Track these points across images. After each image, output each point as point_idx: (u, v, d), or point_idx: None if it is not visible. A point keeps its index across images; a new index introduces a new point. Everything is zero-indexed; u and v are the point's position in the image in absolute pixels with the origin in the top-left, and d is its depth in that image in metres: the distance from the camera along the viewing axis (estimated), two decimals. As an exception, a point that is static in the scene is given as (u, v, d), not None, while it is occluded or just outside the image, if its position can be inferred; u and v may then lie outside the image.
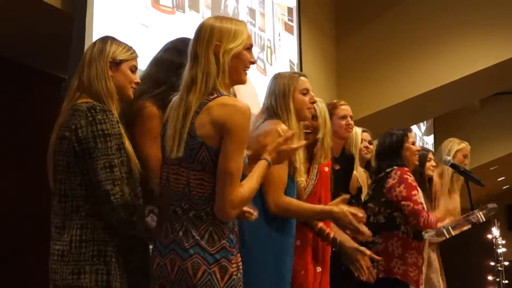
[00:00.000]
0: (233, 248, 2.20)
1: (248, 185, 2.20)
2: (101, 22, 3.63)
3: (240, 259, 2.25)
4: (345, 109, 3.79)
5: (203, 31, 2.27)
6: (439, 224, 3.94)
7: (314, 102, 3.06)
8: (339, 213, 2.91)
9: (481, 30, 7.63)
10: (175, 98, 2.28)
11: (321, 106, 3.28)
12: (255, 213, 2.42)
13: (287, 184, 2.86)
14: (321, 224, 3.15)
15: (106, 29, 3.57)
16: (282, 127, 2.82)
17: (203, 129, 2.16)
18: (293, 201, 2.89)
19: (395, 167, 3.89)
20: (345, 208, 2.93)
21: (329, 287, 3.30)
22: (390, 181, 3.85)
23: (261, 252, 2.78)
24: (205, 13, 4.81)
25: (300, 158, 2.91)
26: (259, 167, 2.28)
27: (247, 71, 2.33)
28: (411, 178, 3.85)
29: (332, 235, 3.14)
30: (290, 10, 6.56)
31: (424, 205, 3.92)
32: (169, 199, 2.22)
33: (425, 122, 11.47)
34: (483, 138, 12.02)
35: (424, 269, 4.31)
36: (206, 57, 2.22)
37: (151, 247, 2.45)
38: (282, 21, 6.33)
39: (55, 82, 4.78)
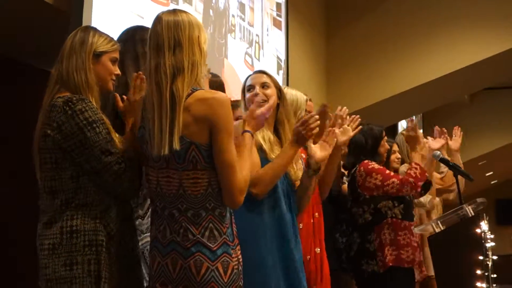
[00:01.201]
0: (232, 242, 2.20)
1: (245, 165, 2.25)
2: (99, 16, 3.65)
3: (239, 252, 2.25)
4: (309, 105, 3.87)
5: (181, 21, 2.23)
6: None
7: (256, 95, 3.01)
8: (294, 135, 2.76)
9: (470, 25, 7.66)
10: (148, 90, 2.23)
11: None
12: None
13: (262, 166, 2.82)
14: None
15: (103, 20, 3.61)
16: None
17: (188, 129, 2.15)
18: (262, 169, 2.76)
19: (357, 165, 3.90)
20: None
21: (328, 268, 3.30)
22: (360, 179, 3.85)
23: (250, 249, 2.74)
24: (197, 6, 4.82)
25: (266, 138, 2.88)
26: (245, 141, 2.34)
27: None
28: (374, 165, 3.86)
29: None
30: (278, 5, 6.54)
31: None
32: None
33: (414, 116, 11.50)
34: (472, 133, 12.04)
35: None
36: (191, 46, 2.21)
37: (140, 239, 2.45)
38: (270, 16, 6.32)
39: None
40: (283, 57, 6.48)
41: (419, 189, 3.82)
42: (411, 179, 3.73)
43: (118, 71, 2.43)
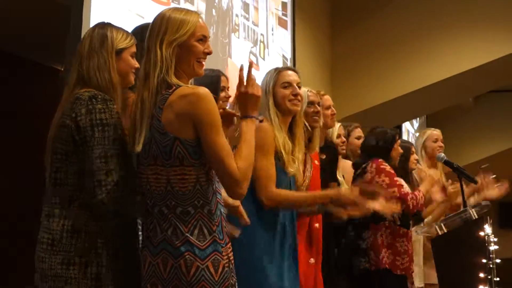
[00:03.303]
0: (222, 240, 2.20)
1: (244, 154, 2.22)
2: (98, 12, 3.63)
3: (230, 249, 2.24)
4: (327, 99, 3.87)
5: (153, 23, 2.29)
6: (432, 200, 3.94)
7: (296, 95, 2.99)
8: (335, 194, 2.87)
9: (476, 27, 7.63)
10: (134, 95, 2.29)
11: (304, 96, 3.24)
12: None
13: (278, 177, 2.82)
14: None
15: (103, 19, 3.57)
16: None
17: (172, 125, 2.16)
18: (285, 191, 2.84)
19: (369, 161, 3.87)
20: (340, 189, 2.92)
21: (322, 279, 3.28)
22: (369, 175, 3.84)
23: (249, 250, 2.75)
24: (199, 5, 4.80)
25: (286, 148, 2.87)
26: (246, 128, 2.31)
27: (201, 62, 2.32)
28: (388, 167, 3.85)
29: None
30: (284, 4, 6.53)
31: (408, 189, 3.90)
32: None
33: (418, 118, 11.47)
34: (475, 135, 12.02)
35: (416, 259, 4.31)
36: (154, 50, 2.23)
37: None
38: (275, 16, 6.30)
39: (52, 74, 4.77)
40: (288, 56, 6.47)
41: (413, 228, 3.88)
42: (411, 201, 3.73)
43: (137, 65, 2.43)
